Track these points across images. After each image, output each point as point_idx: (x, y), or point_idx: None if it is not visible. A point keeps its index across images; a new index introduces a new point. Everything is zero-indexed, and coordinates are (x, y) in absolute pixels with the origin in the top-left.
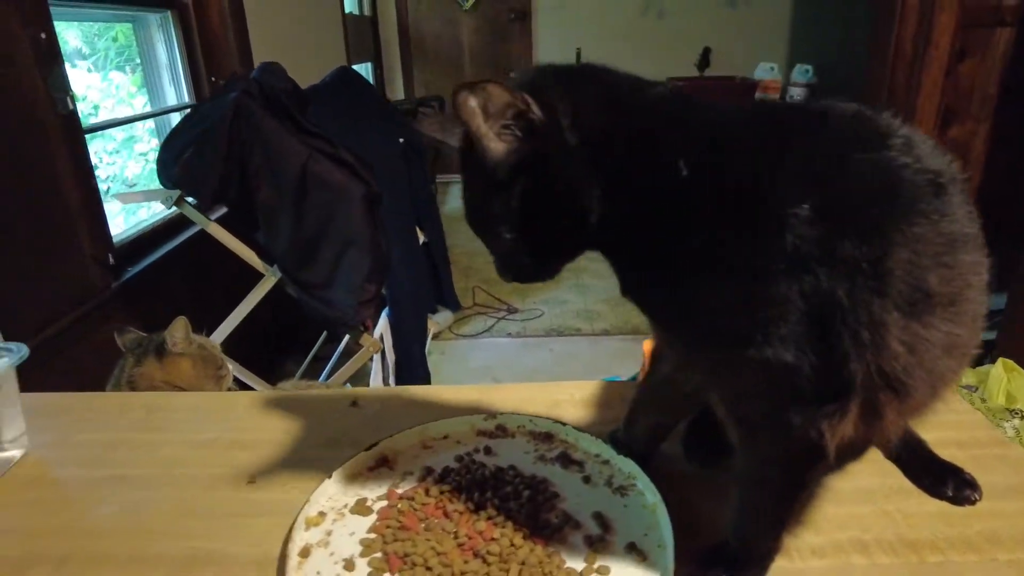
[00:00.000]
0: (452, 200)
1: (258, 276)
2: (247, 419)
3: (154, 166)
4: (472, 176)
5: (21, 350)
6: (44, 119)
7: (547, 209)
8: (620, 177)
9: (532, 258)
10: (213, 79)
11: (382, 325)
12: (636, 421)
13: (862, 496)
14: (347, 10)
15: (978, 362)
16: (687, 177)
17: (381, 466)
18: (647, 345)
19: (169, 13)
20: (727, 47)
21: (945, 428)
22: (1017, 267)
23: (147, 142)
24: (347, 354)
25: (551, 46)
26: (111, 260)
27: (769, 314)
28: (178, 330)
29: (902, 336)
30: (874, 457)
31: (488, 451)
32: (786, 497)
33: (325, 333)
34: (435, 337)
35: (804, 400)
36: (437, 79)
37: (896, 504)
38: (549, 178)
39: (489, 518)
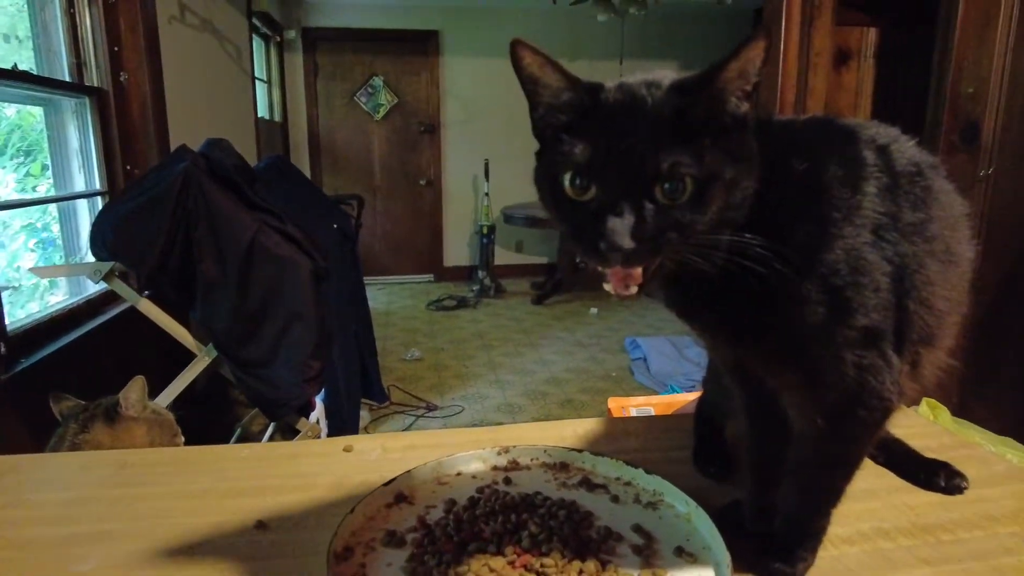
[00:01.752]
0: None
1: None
2: (240, 470)
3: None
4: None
5: None
6: None
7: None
8: (763, 188)
9: (669, 230)
10: (128, 167)
11: (318, 410)
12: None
13: (869, 495)
14: (260, 114)
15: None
16: (798, 176)
17: (400, 502)
18: (612, 402)
19: (87, 99)
20: None
21: (915, 439)
22: None
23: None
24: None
25: (459, 157)
26: (3, 349)
27: (865, 281)
28: (133, 391)
29: (942, 292)
30: (866, 464)
31: (508, 482)
32: (852, 470)
33: (239, 429)
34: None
35: (889, 362)
36: (346, 183)
37: (900, 498)
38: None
39: (531, 536)
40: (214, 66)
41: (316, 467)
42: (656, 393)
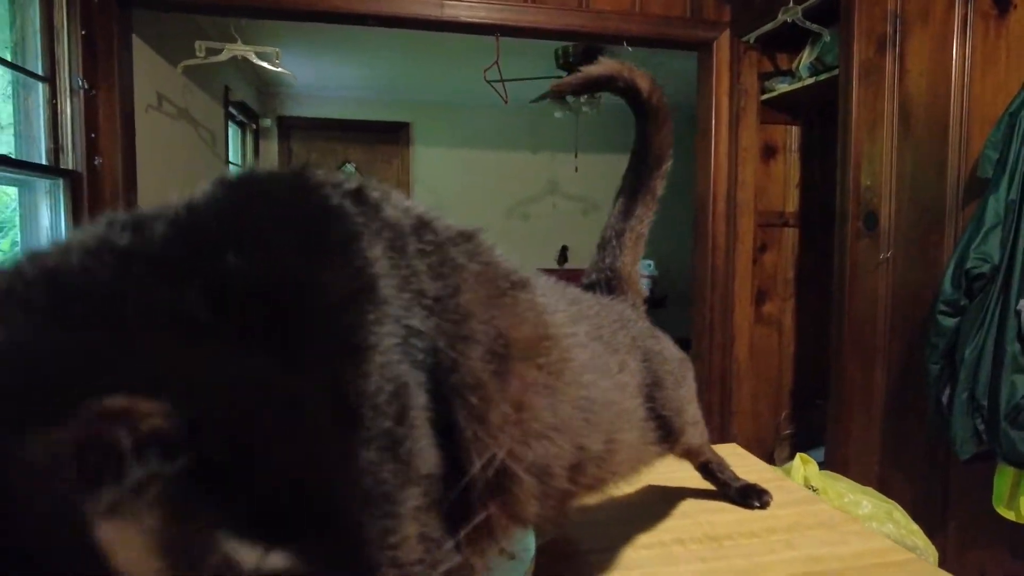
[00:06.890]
0: None
1: None
2: None
3: None
4: None
5: None
6: None
7: None
8: None
9: None
10: None
11: None
12: None
13: (682, 515)
14: None
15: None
16: None
17: None
18: None
19: (61, 181)
20: (582, 245)
21: (742, 473)
22: (829, 421)
23: None
24: None
25: None
26: None
27: None
28: None
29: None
30: (685, 492)
31: None
32: None
33: None
34: None
35: None
36: None
37: (706, 517)
38: None
39: None
40: (188, 151)
41: None
42: None
